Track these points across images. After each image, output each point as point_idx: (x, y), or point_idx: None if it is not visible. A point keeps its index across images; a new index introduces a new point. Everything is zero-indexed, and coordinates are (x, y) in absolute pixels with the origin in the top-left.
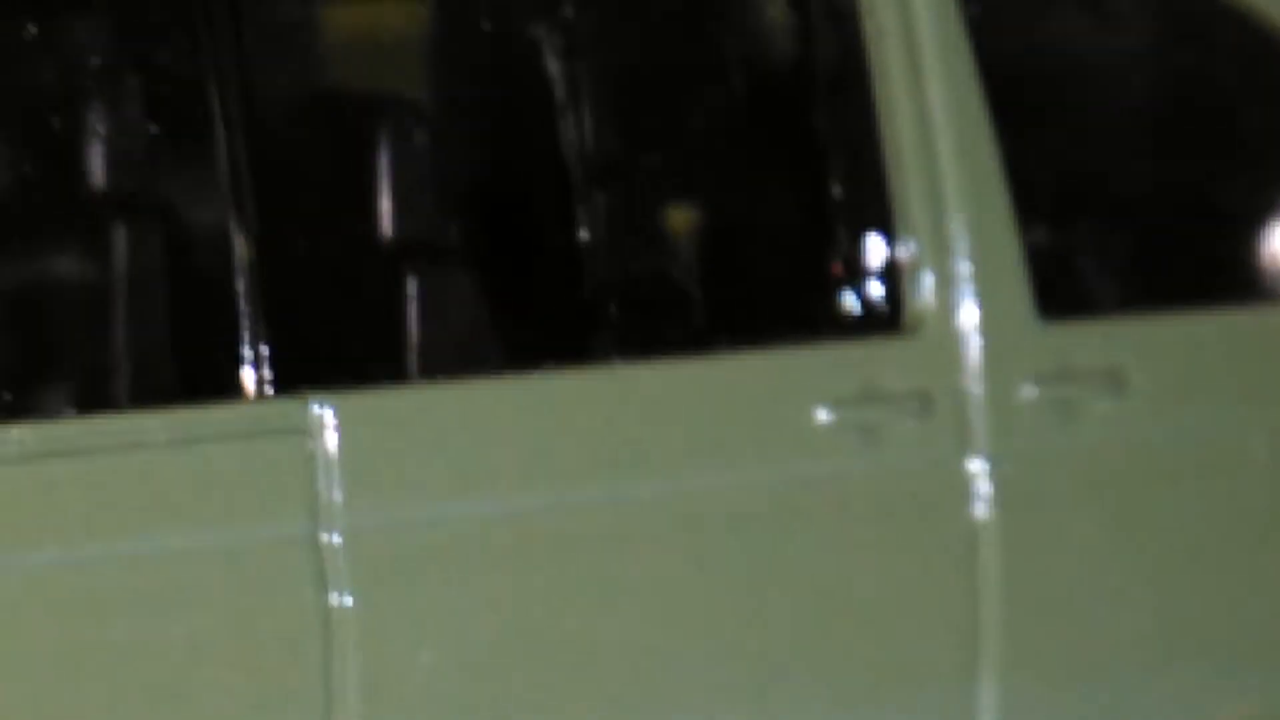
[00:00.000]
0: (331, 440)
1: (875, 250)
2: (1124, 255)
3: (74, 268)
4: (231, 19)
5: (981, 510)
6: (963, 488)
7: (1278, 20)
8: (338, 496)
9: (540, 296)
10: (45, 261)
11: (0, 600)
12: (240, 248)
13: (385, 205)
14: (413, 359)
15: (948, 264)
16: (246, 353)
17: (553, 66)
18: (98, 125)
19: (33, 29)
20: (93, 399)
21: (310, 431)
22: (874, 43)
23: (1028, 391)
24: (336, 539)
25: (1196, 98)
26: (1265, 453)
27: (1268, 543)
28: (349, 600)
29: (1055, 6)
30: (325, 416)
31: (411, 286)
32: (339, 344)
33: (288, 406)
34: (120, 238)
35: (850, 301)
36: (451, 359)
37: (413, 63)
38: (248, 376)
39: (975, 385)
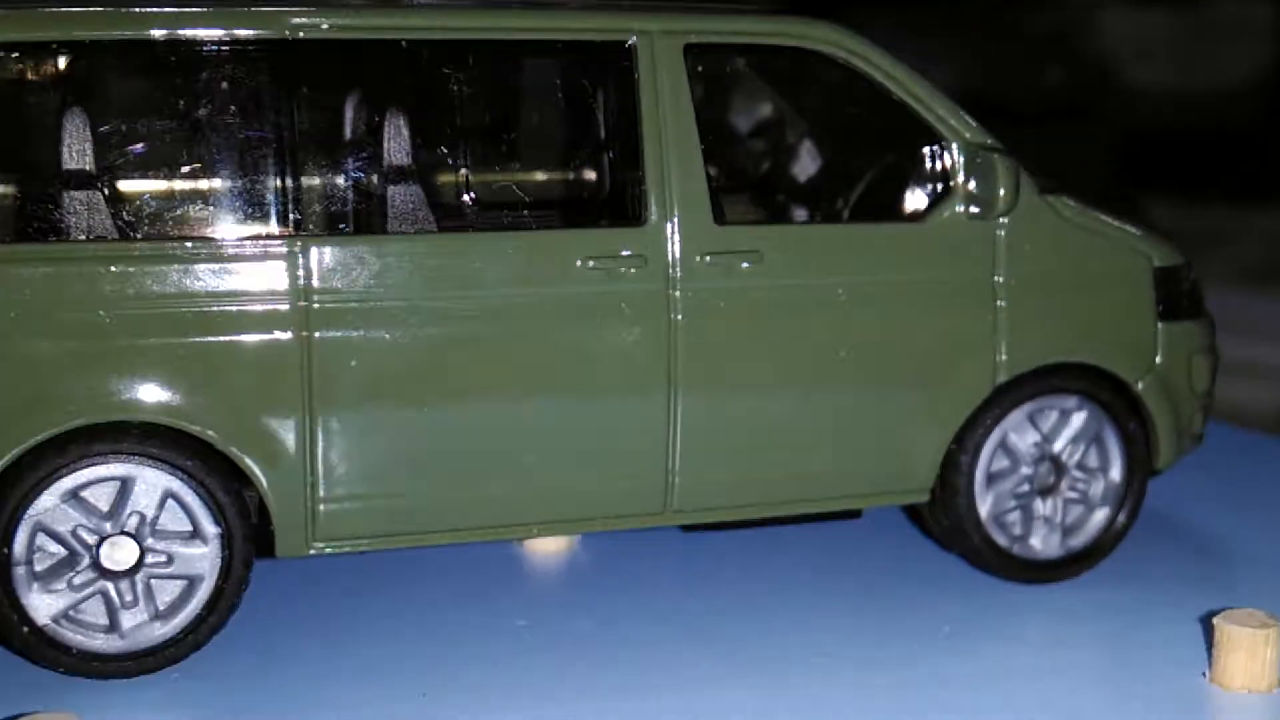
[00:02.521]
0: (313, 259)
1: (633, 185)
2: (769, 202)
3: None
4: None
5: (675, 314)
6: (665, 304)
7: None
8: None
9: (443, 197)
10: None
11: None
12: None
13: (371, 156)
14: (357, 225)
15: (668, 195)
16: (286, 215)
17: (459, 98)
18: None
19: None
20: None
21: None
22: (643, 90)
23: (703, 259)
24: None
25: (821, 129)
26: (829, 296)
27: (831, 340)
28: (317, 333)
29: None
30: (311, 248)
31: (376, 190)
32: (320, 219)
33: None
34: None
35: (617, 209)
36: (380, 227)
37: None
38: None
39: (675, 254)
